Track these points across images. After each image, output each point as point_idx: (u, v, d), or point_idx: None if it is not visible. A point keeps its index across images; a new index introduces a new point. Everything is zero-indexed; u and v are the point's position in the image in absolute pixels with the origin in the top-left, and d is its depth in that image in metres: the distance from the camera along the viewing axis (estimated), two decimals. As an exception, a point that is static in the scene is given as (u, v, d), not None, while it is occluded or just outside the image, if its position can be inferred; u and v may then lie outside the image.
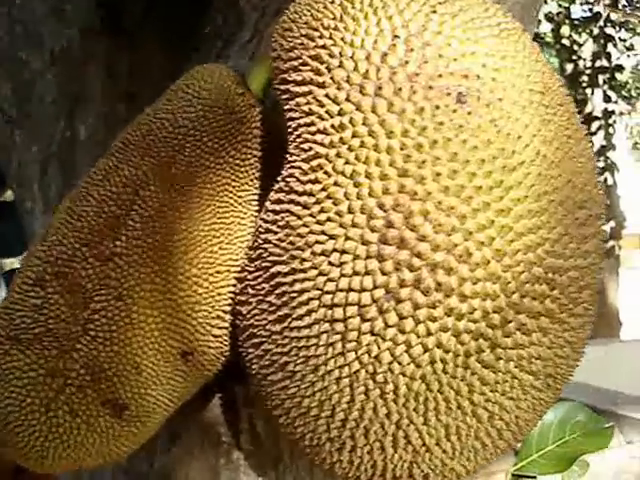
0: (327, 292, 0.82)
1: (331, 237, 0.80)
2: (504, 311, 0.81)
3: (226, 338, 1.02)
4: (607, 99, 5.90)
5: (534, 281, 0.81)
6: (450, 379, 0.83)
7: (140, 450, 1.13)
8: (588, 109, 5.91)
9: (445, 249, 0.78)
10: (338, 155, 0.80)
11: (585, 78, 5.87)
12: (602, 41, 5.71)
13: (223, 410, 1.20)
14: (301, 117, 0.83)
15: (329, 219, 0.80)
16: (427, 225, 0.78)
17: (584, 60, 6.00)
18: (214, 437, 1.22)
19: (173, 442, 1.26)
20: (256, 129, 1.02)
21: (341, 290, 0.81)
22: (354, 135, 0.80)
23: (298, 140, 0.83)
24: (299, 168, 0.83)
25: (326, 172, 0.81)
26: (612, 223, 6.11)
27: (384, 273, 0.79)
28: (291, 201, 0.83)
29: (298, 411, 0.90)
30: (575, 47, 5.97)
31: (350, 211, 0.79)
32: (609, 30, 5.77)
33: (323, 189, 0.81)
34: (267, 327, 0.89)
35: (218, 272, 0.99)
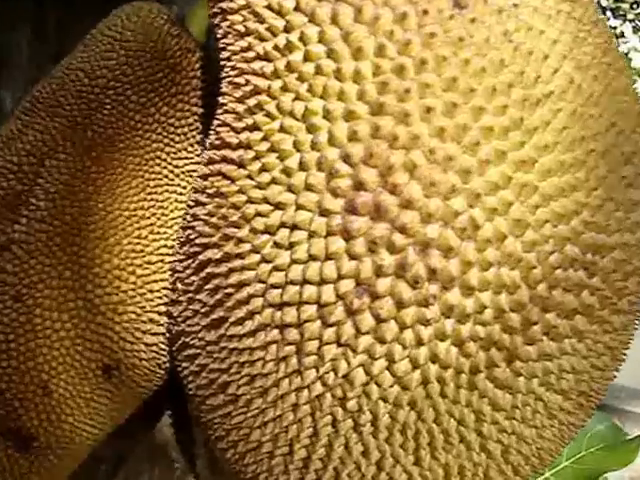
0: (274, 286, 0.52)
1: (277, 206, 0.50)
2: (526, 309, 0.50)
3: (164, 347, 0.72)
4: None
5: (568, 265, 0.51)
6: (450, 405, 0.52)
7: (77, 476, 0.82)
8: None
9: (441, 220, 0.48)
10: (284, 88, 0.50)
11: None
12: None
13: (175, 431, 0.90)
14: (235, 41, 0.53)
15: (273, 181, 0.50)
16: (414, 185, 0.47)
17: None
18: (165, 461, 0.92)
19: (119, 466, 0.96)
20: (195, 79, 0.72)
21: (293, 283, 0.51)
22: (306, 58, 0.49)
23: (232, 73, 0.53)
24: (233, 112, 0.52)
25: (268, 113, 0.50)
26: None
27: (353, 257, 0.49)
28: (223, 159, 0.53)
29: (247, 446, 0.60)
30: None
31: (302, 167, 0.49)
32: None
33: (264, 138, 0.50)
34: (200, 334, 0.59)
35: (148, 263, 0.69)
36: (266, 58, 0.51)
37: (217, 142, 0.54)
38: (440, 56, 0.48)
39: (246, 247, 0.52)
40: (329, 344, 0.51)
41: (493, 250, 0.49)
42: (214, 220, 0.54)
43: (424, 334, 0.50)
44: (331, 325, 0.51)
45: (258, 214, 0.51)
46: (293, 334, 0.52)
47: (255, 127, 0.51)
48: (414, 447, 0.55)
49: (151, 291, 0.69)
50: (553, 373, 0.54)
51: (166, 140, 0.70)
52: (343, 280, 0.50)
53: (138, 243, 0.69)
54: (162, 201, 0.70)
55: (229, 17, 0.54)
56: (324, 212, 0.49)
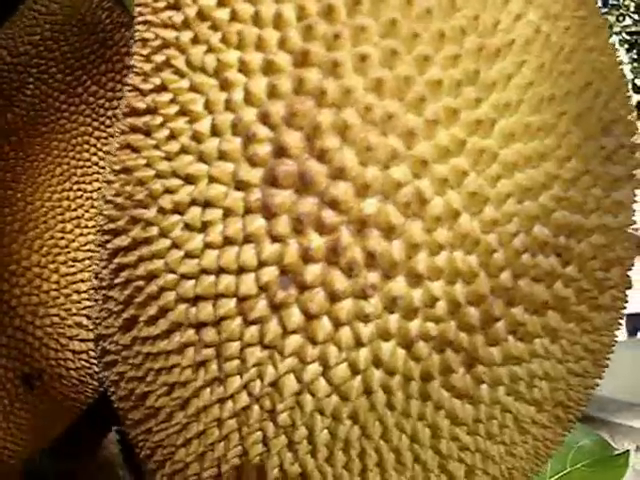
0: (185, 276, 0.41)
1: (187, 180, 0.40)
2: (487, 302, 0.40)
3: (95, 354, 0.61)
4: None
5: (537, 249, 0.41)
6: (400, 419, 0.42)
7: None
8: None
9: (380, 193, 0.38)
10: (195, 39, 0.40)
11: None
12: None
13: (122, 448, 0.80)
14: (144, -11, 0.43)
15: (183, 149, 0.40)
16: (346, 150, 0.37)
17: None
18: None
19: (65, 486, 0.85)
20: (128, 56, 0.61)
21: (207, 272, 0.40)
22: (220, 2, 0.39)
23: (142, 29, 0.43)
24: (141, 72, 0.42)
25: (177, 70, 0.40)
26: None
27: (275, 239, 0.39)
28: (131, 128, 0.43)
29: (173, 467, 0.49)
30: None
31: (215, 132, 0.39)
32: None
33: (173, 99, 0.40)
34: (116, 337, 0.48)
35: (74, 260, 0.59)
36: (176, 6, 0.41)
37: (126, 110, 0.44)
38: (377, -5, 0.38)
39: (154, 231, 0.42)
40: (252, 345, 0.41)
41: (444, 230, 0.39)
42: (120, 200, 0.44)
43: (363, 333, 0.40)
44: (253, 323, 0.41)
45: (166, 190, 0.41)
46: (211, 334, 0.42)
47: (163, 87, 0.41)
48: (360, 468, 0.44)
49: (77, 292, 0.59)
50: (523, 380, 0.44)
51: (95, 123, 0.60)
52: (265, 267, 0.39)
53: (62, 238, 0.59)
54: (91, 191, 0.60)
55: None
56: (240, 185, 0.39)
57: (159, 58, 0.41)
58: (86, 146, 0.60)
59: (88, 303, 0.60)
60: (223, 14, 0.39)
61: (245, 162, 0.39)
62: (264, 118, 0.38)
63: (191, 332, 0.43)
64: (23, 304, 0.58)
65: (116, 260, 0.46)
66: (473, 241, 0.39)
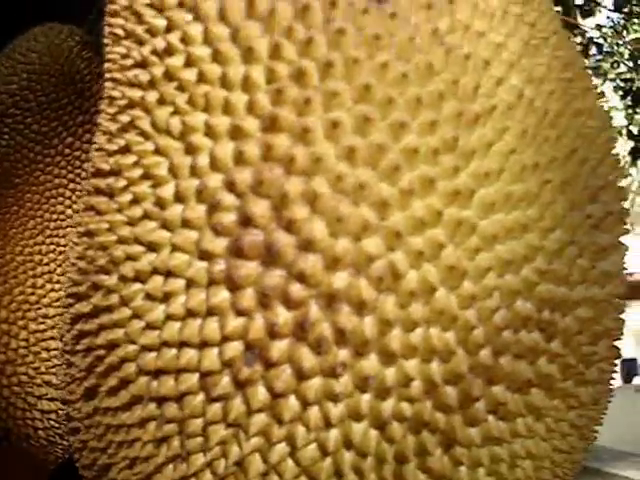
0: (147, 348, 0.38)
1: (149, 247, 0.37)
2: (465, 381, 0.37)
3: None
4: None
5: (519, 325, 0.38)
6: (373, 503, 0.39)
7: None
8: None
9: (351, 266, 0.35)
10: (161, 100, 0.37)
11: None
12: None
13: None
14: (114, 47, 0.40)
15: (146, 215, 0.37)
16: (315, 221, 0.35)
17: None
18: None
19: None
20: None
21: (168, 345, 0.38)
22: (188, 63, 0.37)
23: (109, 86, 0.41)
24: (107, 132, 0.40)
25: (142, 132, 0.38)
26: None
27: (240, 313, 0.36)
28: (95, 189, 0.40)
29: (135, 542, 0.46)
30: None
31: (179, 198, 0.36)
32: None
33: (137, 163, 0.38)
34: (78, 405, 0.45)
35: (44, 317, 0.56)
36: (143, 64, 0.39)
37: (92, 169, 0.42)
38: (351, 59, 0.35)
39: (115, 299, 0.39)
40: (215, 423, 0.38)
41: (419, 306, 0.36)
42: (83, 265, 0.41)
43: (333, 413, 0.37)
44: (216, 399, 0.37)
45: (128, 257, 0.38)
46: (172, 410, 0.39)
47: (127, 149, 0.39)
48: None
49: (47, 349, 0.56)
50: (504, 460, 0.41)
51: (70, 175, 0.58)
52: (229, 342, 0.36)
53: (32, 293, 0.56)
54: (64, 245, 0.57)
55: (111, 20, 0.42)
56: (204, 255, 0.36)
57: (124, 118, 0.39)
58: (60, 198, 0.57)
59: (57, 361, 0.57)
60: (190, 75, 0.37)
61: (210, 231, 0.36)
62: (230, 185, 0.36)
63: (152, 406, 0.40)
64: (-11, 361, 0.55)
65: (77, 326, 0.43)
66: (450, 317, 0.36)
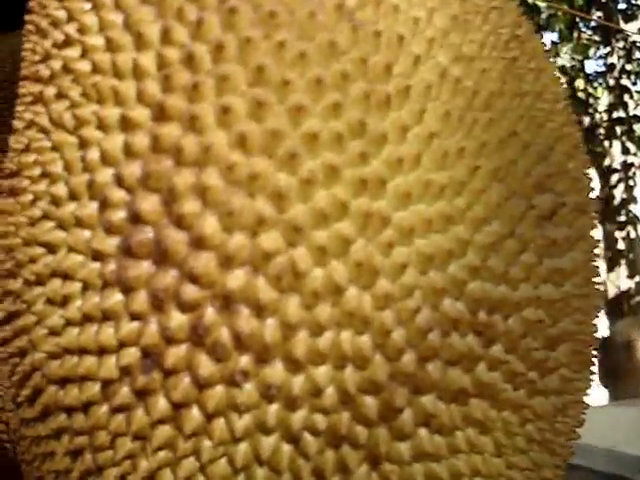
0: (51, 355, 0.35)
1: (48, 248, 0.35)
2: (387, 390, 0.33)
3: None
4: (625, 151, 5.16)
5: (447, 327, 0.34)
6: (292, 525, 0.35)
7: None
8: (607, 162, 5.19)
9: (247, 264, 0.31)
10: (59, 95, 0.35)
11: (602, 131, 5.17)
12: (618, 92, 5.03)
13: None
14: (25, 43, 0.38)
15: (44, 215, 0.35)
16: (207, 215, 0.31)
17: (600, 113, 5.32)
18: None
19: None
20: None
21: (70, 351, 0.34)
22: (84, 52, 0.34)
23: (20, 85, 0.38)
24: (15, 130, 0.38)
25: (42, 128, 0.35)
26: (637, 278, 5.28)
27: (134, 316, 0.32)
28: (4, 191, 0.38)
29: None
30: (591, 100, 5.30)
31: (72, 196, 0.33)
32: (624, 81, 5.08)
33: (36, 160, 0.35)
34: (11, 415, 0.43)
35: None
36: (45, 58, 0.36)
37: (7, 171, 0.39)
38: (244, 39, 0.32)
39: (21, 304, 0.37)
40: (121, 435, 0.35)
41: (327, 307, 0.32)
42: (-5, 270, 0.39)
43: (238, 425, 0.33)
44: (119, 410, 0.34)
45: (30, 259, 0.36)
46: (80, 420, 0.36)
47: (28, 147, 0.36)
48: None
49: None
50: (441, 479, 0.36)
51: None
52: (125, 348, 0.33)
53: None
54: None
55: (26, 17, 0.40)
56: (97, 255, 0.33)
57: (28, 115, 0.37)
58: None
59: None
60: (85, 66, 0.34)
61: (101, 230, 0.33)
62: (119, 180, 0.33)
63: (63, 417, 0.37)
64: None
65: (0, 334, 0.40)
66: (363, 319, 0.32)
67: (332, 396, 0.33)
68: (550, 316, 0.38)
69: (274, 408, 0.33)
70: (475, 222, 0.34)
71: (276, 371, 0.32)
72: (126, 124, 0.33)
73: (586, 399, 0.44)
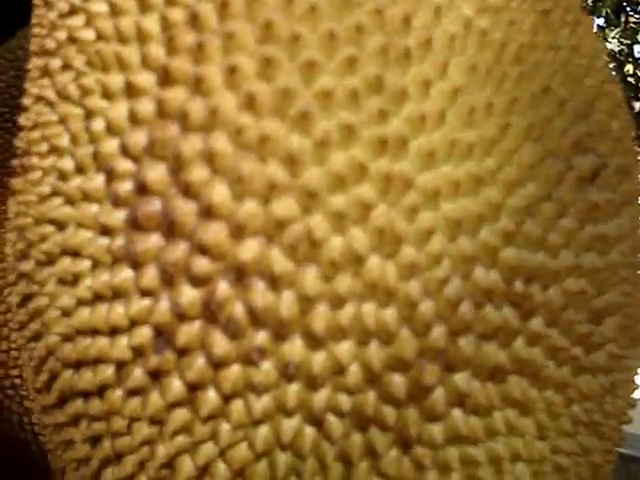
0: (64, 338, 0.34)
1: (58, 226, 0.33)
2: (416, 367, 0.30)
3: None
4: (676, 135, 4.96)
5: (480, 299, 0.31)
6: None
7: None
8: (658, 147, 5.02)
9: (261, 233, 0.29)
10: (64, 66, 0.33)
11: (654, 115, 5.01)
12: (668, 76, 4.87)
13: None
14: (33, 19, 0.37)
15: (53, 191, 0.33)
16: (216, 183, 0.29)
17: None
18: None
19: None
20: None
21: (83, 333, 0.33)
22: (89, 20, 0.33)
23: (28, 61, 0.37)
24: (24, 108, 0.36)
25: (48, 102, 0.34)
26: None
27: (145, 292, 0.31)
28: (15, 170, 0.36)
29: None
30: (640, 84, 5.14)
31: (79, 169, 0.32)
32: (675, 64, 4.92)
33: (43, 136, 0.34)
34: (35, 404, 0.42)
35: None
36: (51, 30, 0.35)
37: (20, 152, 0.38)
38: (251, -6, 0.30)
39: (34, 285, 0.35)
40: (137, 420, 0.33)
41: (347, 278, 0.30)
42: (10, 251, 0.37)
43: (257, 407, 0.31)
44: (134, 393, 0.32)
45: (41, 238, 0.34)
46: (96, 405, 0.34)
47: (35, 123, 0.35)
48: None
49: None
50: (483, 464, 0.33)
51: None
52: (137, 327, 0.31)
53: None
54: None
55: (35, -8, 0.39)
56: (105, 230, 0.31)
57: (35, 90, 0.35)
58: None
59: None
60: (89, 34, 0.33)
61: (109, 203, 0.31)
62: (125, 149, 0.31)
63: (80, 402, 0.35)
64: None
65: (17, 318, 0.39)
66: (387, 291, 0.30)
67: (356, 374, 0.30)
68: (594, 287, 0.34)
69: (294, 388, 0.30)
70: (507, 184, 0.31)
71: (295, 348, 0.30)
72: (131, 90, 0.31)
73: (637, 379, 0.40)
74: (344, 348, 0.30)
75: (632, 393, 0.40)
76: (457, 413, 0.32)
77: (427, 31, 0.31)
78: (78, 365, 0.34)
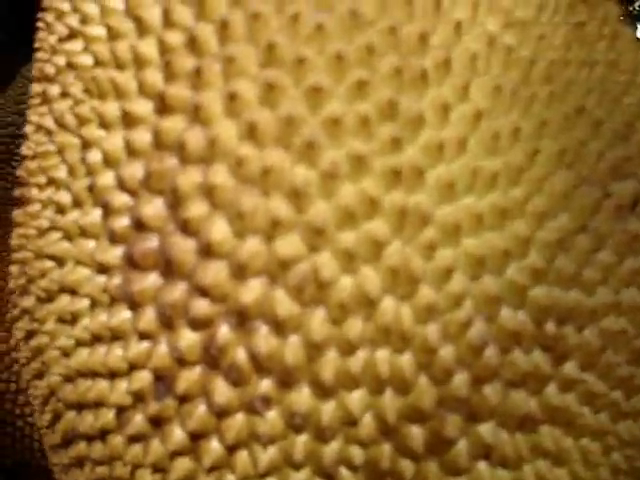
0: (66, 379, 0.32)
1: (57, 261, 0.31)
2: (435, 419, 0.27)
3: None
4: None
5: (507, 342, 0.28)
6: None
7: None
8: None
9: (265, 273, 0.27)
10: (63, 93, 0.31)
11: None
12: None
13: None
14: (37, 42, 0.35)
15: (51, 225, 0.31)
16: (217, 219, 0.27)
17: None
18: None
19: None
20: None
21: (82, 375, 0.31)
22: (86, 45, 0.31)
23: (31, 87, 0.35)
24: (25, 137, 0.35)
25: (47, 131, 0.32)
26: None
27: (143, 335, 0.28)
28: (16, 201, 0.35)
29: None
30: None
31: (76, 202, 0.30)
32: None
33: (41, 167, 0.32)
34: (44, 440, 0.40)
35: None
36: (51, 55, 0.33)
37: (19, 179, 0.36)
38: (253, 15, 0.27)
39: (34, 323, 0.33)
40: (140, 467, 0.31)
41: (358, 322, 0.27)
42: (13, 284, 0.36)
43: (262, 458, 0.28)
44: (135, 439, 0.30)
45: (40, 274, 0.32)
46: (99, 449, 0.32)
47: (34, 152, 0.33)
48: None
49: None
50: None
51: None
52: (136, 371, 0.29)
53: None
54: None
55: (39, 15, 0.37)
56: (102, 268, 0.29)
57: (34, 118, 0.33)
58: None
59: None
60: (86, 59, 0.31)
61: (105, 239, 0.29)
62: (121, 183, 0.28)
63: (83, 445, 0.33)
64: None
65: (22, 354, 0.37)
66: (402, 335, 0.27)
67: (369, 425, 0.28)
68: (635, 325, 0.31)
69: (302, 439, 0.28)
70: (537, 216, 0.28)
71: (302, 397, 0.27)
72: (127, 120, 0.29)
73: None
74: (355, 398, 0.27)
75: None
76: (482, 466, 0.29)
77: (446, 50, 0.28)
78: (79, 407, 0.32)
